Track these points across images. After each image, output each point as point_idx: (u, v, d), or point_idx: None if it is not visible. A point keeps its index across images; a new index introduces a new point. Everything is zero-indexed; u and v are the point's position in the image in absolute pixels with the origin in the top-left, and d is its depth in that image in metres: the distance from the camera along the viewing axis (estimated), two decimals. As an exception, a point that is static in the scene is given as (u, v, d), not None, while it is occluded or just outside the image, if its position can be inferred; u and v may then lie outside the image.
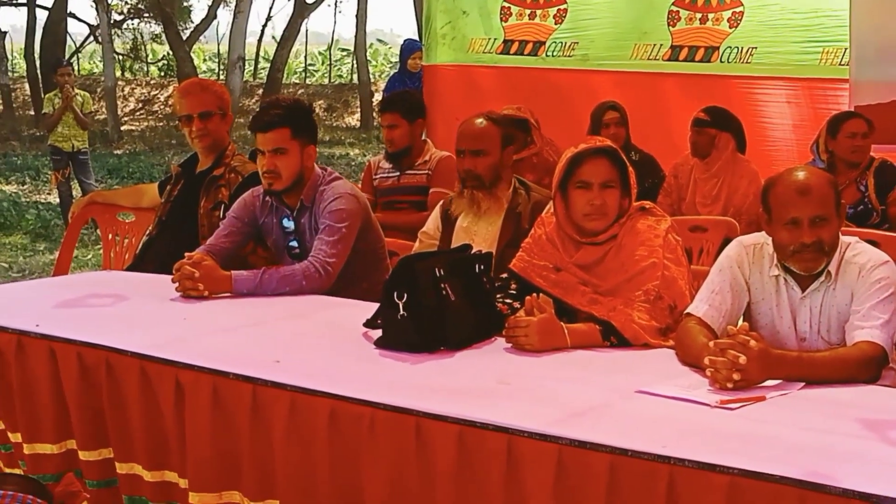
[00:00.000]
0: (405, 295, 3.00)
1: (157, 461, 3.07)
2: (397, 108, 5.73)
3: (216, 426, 2.86)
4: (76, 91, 10.57)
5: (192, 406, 2.91)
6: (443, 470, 2.49)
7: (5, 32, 25.19)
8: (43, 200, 12.95)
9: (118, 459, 3.15)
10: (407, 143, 5.70)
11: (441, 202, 4.35)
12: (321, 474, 2.70)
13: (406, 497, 2.56)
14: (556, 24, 7.43)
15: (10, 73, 26.15)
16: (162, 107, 26.30)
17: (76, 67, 24.58)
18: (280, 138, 3.93)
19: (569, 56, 7.35)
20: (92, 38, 29.12)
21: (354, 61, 26.89)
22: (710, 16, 6.85)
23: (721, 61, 6.74)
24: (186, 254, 3.81)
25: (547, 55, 7.45)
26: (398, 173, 5.75)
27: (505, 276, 3.45)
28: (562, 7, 7.43)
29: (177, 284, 3.73)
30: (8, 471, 3.41)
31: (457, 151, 4.17)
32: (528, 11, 7.56)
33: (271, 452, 2.78)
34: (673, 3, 6.95)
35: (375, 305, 3.24)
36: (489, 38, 7.73)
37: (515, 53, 7.60)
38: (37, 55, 24.98)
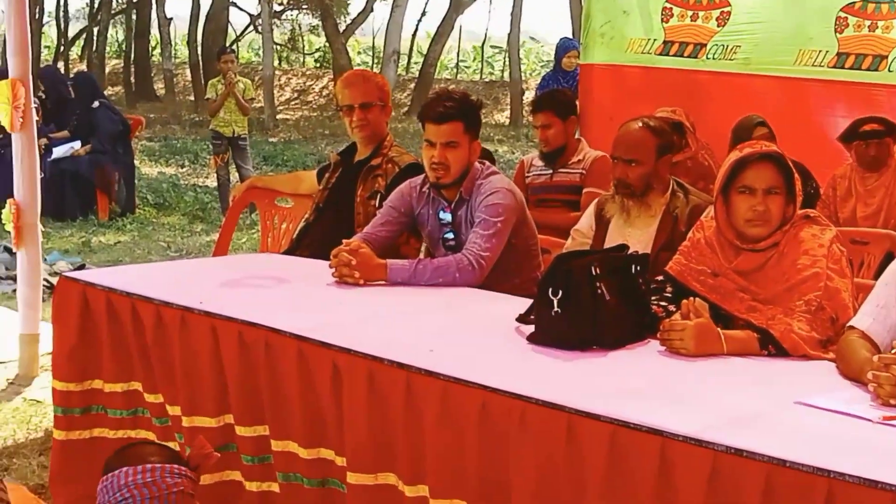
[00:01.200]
0: (560, 292, 3.00)
1: (314, 439, 3.13)
2: (550, 107, 5.73)
3: (372, 410, 2.91)
4: (238, 78, 10.87)
5: (348, 389, 2.97)
6: (593, 468, 2.48)
7: (170, 19, 26.10)
8: (200, 183, 13.37)
9: (274, 437, 3.23)
10: (561, 142, 5.70)
11: (596, 201, 4.33)
12: (470, 464, 2.72)
13: (554, 493, 2.56)
14: (718, 26, 7.30)
15: (172, 59, 27.03)
16: (316, 97, 26.86)
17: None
18: (453, 132, 3.96)
19: (730, 59, 7.21)
20: (252, 27, 29.93)
21: (506, 58, 26.95)
22: (880, 24, 6.62)
23: (890, 70, 6.51)
24: (344, 241, 3.88)
25: (707, 58, 7.32)
26: (551, 171, 5.76)
27: (660, 278, 3.42)
28: (725, 10, 7.29)
29: (333, 270, 3.81)
30: (158, 442, 3.49)
31: (612, 156, 4.15)
32: (690, 13, 7.44)
33: (422, 439, 2.81)
34: (841, 10, 6.74)
35: (528, 301, 3.25)
36: (649, 39, 7.62)
37: (675, 55, 7.48)
38: (199, 42, 25.79)
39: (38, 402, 5.01)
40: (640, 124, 4.07)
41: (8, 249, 8.23)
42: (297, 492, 3.19)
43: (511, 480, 2.64)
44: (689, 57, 7.42)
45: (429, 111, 4.02)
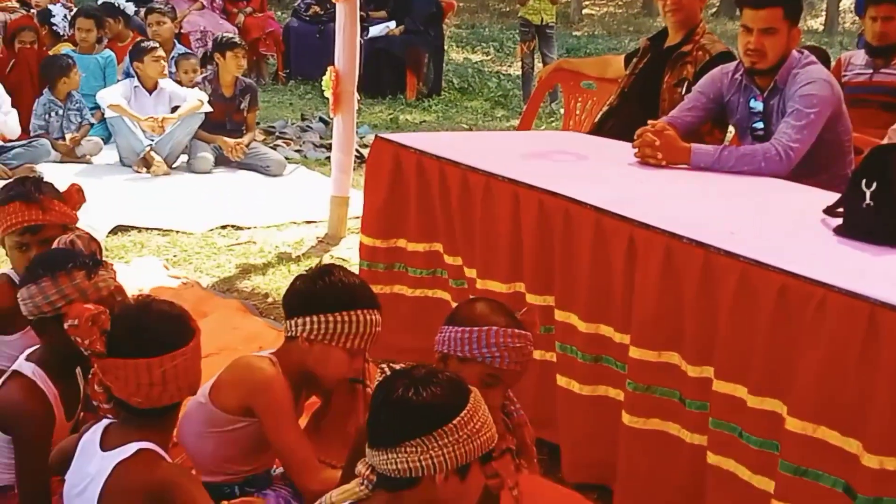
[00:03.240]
0: (874, 183, 2.88)
1: (595, 314, 3.18)
2: None
3: (664, 287, 2.92)
4: (553, -33, 10.87)
5: (642, 264, 2.98)
6: (889, 363, 2.40)
7: None
8: (504, 71, 13.56)
9: (558, 307, 3.30)
10: (896, 39, 5.40)
11: (918, 99, 4.12)
12: (759, 349, 2.68)
13: (840, 388, 2.49)
14: None
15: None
16: (624, -7, 26.40)
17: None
18: (772, 17, 3.82)
19: None
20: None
21: (828, -39, 25.48)
22: None
23: None
24: (649, 121, 3.86)
25: None
26: (871, 71, 5.47)
27: None
28: None
29: (636, 150, 3.80)
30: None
31: None
32: None
33: (714, 320, 2.79)
34: None
35: (836, 195, 3.15)
36: None
37: None
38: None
39: (344, 260, 5.31)
40: None
41: (323, 120, 8.70)
42: (570, 364, 3.26)
43: (796, 368, 2.57)
44: None
45: None
